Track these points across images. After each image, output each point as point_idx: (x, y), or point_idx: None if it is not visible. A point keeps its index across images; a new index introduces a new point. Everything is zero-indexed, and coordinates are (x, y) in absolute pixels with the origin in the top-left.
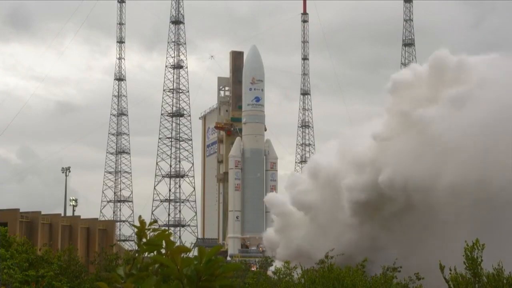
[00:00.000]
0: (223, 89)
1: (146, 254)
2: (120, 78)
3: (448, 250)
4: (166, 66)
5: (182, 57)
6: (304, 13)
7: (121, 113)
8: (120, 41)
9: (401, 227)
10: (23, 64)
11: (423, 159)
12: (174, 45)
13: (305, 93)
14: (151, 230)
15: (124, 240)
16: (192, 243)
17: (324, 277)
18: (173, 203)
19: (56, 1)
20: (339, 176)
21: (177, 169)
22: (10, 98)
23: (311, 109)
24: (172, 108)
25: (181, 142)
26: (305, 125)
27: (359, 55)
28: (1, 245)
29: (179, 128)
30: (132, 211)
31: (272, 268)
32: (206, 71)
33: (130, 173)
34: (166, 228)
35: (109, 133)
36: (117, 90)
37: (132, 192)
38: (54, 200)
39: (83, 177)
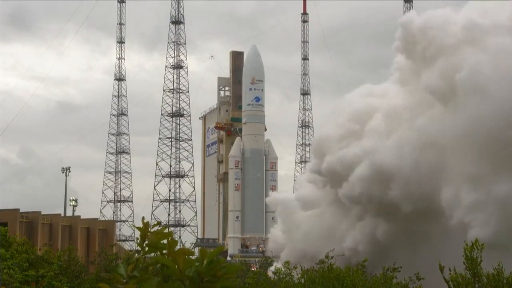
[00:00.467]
0: (223, 89)
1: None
2: (120, 78)
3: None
4: (166, 66)
5: (182, 57)
6: (304, 13)
7: (121, 113)
8: (120, 41)
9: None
10: (23, 64)
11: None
12: (174, 45)
13: (305, 93)
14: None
15: (124, 240)
16: (192, 243)
17: (324, 277)
18: (173, 203)
19: (56, 1)
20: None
21: (177, 169)
22: (10, 98)
23: (311, 109)
24: (172, 108)
25: (181, 142)
26: (305, 125)
27: (359, 55)
28: (1, 245)
29: (179, 128)
30: (132, 211)
31: (272, 268)
32: (206, 71)
33: (130, 173)
34: (166, 227)
35: (109, 133)
36: (117, 90)
37: (132, 192)
38: (54, 200)
39: (83, 177)
